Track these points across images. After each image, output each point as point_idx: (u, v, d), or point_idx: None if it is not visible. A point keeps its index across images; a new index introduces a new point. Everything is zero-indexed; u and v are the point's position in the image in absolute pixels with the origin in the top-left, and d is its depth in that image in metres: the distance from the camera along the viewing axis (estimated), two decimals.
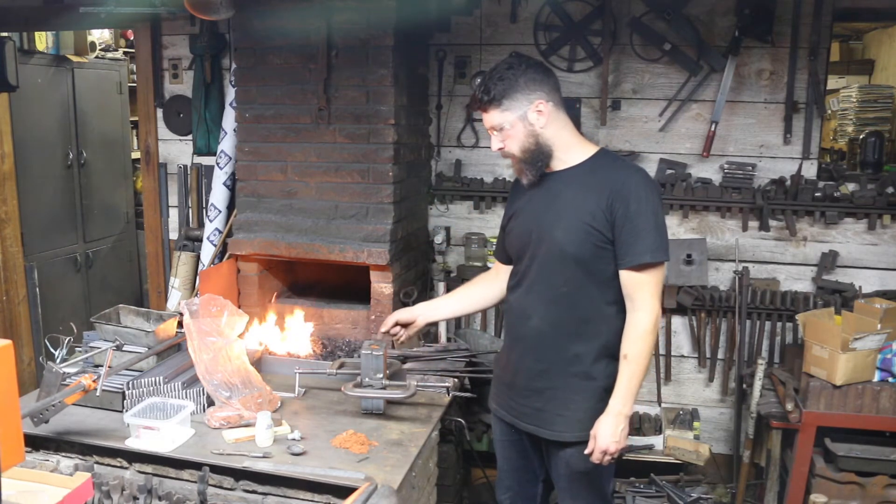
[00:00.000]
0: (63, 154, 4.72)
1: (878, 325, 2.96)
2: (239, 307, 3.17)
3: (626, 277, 2.09)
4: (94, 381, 2.32)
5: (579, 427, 2.16)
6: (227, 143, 3.68)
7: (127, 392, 2.53)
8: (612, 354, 2.14)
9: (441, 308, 2.59)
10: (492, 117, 2.15)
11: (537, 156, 2.15)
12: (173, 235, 4.14)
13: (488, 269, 3.73)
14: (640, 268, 2.06)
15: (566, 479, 2.26)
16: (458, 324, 3.85)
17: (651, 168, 3.60)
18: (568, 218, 2.12)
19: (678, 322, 3.71)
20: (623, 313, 2.13)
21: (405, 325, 2.53)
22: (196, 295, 3.72)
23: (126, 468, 2.35)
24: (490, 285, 2.48)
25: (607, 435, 2.06)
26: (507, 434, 2.39)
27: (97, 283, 5.08)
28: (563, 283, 2.14)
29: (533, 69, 2.14)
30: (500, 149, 2.18)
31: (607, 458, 2.09)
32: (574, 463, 2.20)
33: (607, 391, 2.12)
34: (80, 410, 2.54)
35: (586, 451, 2.11)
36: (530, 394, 2.24)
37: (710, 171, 3.60)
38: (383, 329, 2.54)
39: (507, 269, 2.36)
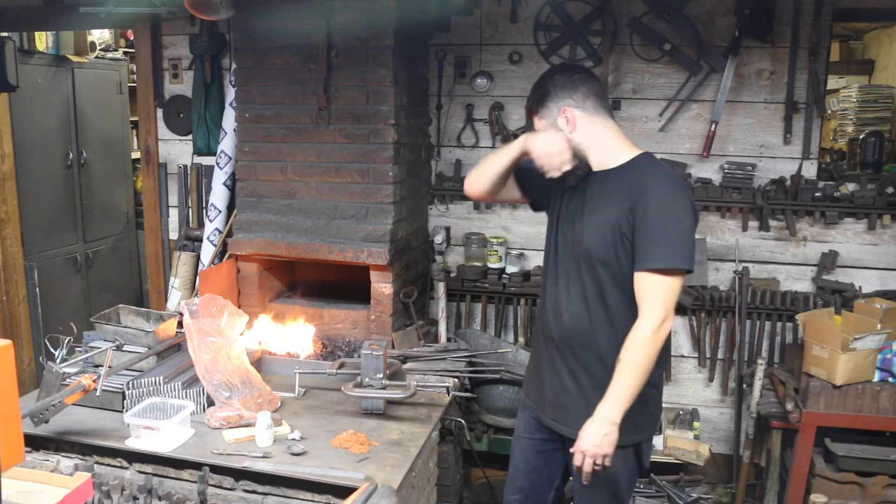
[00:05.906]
0: (63, 154, 4.72)
1: (878, 325, 2.96)
2: (239, 307, 3.17)
3: (636, 281, 2.06)
4: (94, 381, 2.32)
5: None
6: (227, 143, 3.68)
7: (127, 392, 2.54)
8: None
9: None
10: (536, 124, 2.23)
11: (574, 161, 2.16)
12: (173, 235, 4.14)
13: (488, 268, 3.75)
14: (650, 272, 2.02)
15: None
16: (458, 324, 3.85)
17: None
18: (595, 219, 2.11)
19: (678, 322, 3.70)
20: None
21: None
22: (196, 295, 3.72)
23: (126, 468, 2.35)
24: None
25: (587, 438, 2.01)
26: (531, 432, 2.37)
27: (97, 283, 5.08)
28: (592, 284, 2.13)
29: (559, 75, 2.19)
30: None
31: (587, 461, 2.01)
32: None
33: None
34: (80, 410, 2.54)
35: (570, 450, 2.07)
36: (557, 391, 2.23)
37: (710, 171, 3.60)
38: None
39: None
